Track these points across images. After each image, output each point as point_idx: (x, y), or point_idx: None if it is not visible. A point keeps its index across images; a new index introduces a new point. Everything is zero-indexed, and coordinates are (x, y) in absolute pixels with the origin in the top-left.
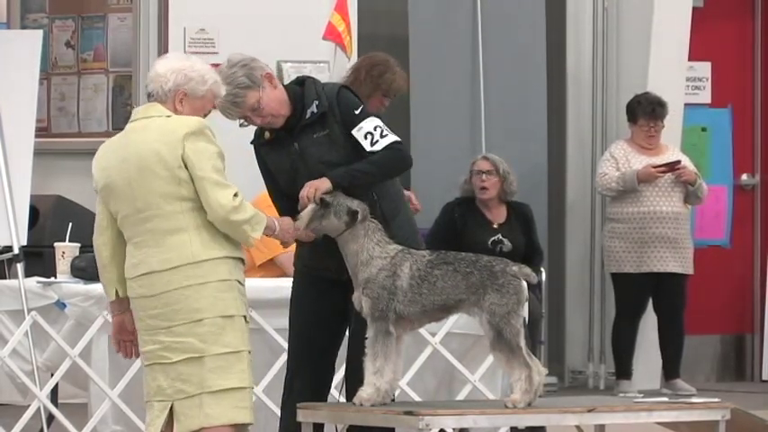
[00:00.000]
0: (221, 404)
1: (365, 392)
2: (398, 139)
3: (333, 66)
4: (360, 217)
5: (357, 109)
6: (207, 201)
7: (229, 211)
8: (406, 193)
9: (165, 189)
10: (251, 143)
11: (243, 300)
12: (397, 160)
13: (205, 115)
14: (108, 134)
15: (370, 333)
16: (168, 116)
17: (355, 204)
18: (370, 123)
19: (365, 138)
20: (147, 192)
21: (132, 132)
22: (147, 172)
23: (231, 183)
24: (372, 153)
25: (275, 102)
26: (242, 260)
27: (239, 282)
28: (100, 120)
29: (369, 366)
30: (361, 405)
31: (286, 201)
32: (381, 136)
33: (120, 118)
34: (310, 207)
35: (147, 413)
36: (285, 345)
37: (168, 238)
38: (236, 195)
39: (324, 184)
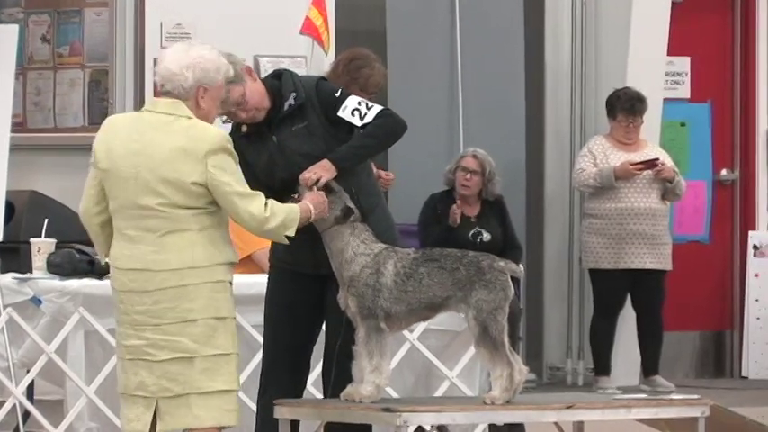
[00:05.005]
0: (209, 406)
1: (365, 390)
2: (385, 107)
3: (310, 61)
4: (352, 218)
5: (336, 92)
6: (237, 213)
7: (263, 222)
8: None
9: (173, 198)
10: (229, 135)
11: (233, 301)
12: (391, 125)
13: (221, 103)
14: (85, 129)
15: (360, 332)
16: (189, 117)
17: (352, 206)
18: (353, 101)
19: (353, 115)
20: (153, 194)
21: (150, 128)
22: (158, 177)
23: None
24: (364, 126)
25: (258, 95)
26: (234, 264)
27: (231, 283)
28: (76, 115)
29: (365, 365)
30: (362, 402)
31: (264, 192)
32: (368, 108)
33: (96, 113)
34: (321, 192)
35: (122, 406)
36: (261, 341)
37: (167, 238)
38: (266, 204)
39: (328, 172)
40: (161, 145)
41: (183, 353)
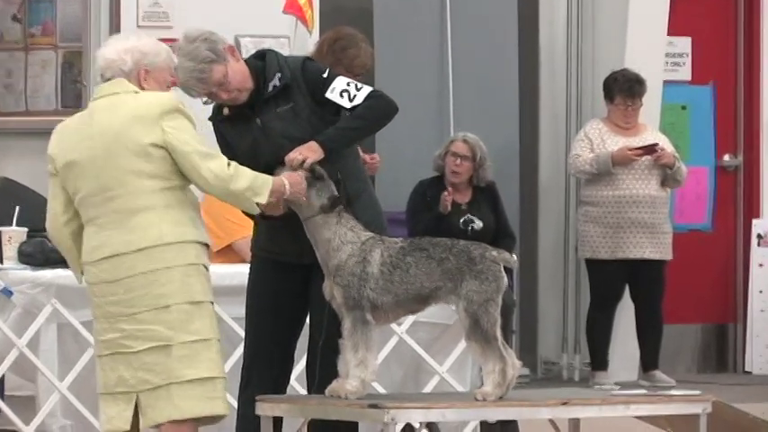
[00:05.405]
0: (191, 395)
1: (350, 385)
2: (375, 88)
3: (293, 41)
4: (339, 207)
5: (324, 73)
6: (200, 173)
7: (227, 181)
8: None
9: (134, 166)
10: (209, 119)
11: (209, 285)
12: (382, 107)
13: (168, 87)
14: (57, 112)
15: (346, 324)
16: (136, 92)
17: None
18: (341, 82)
19: (341, 96)
20: (115, 168)
21: (97, 110)
22: (115, 148)
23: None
24: (354, 108)
25: (240, 75)
26: (207, 245)
27: (205, 266)
28: (48, 97)
29: (350, 358)
30: (347, 398)
31: None
32: (357, 89)
33: (69, 96)
34: (302, 173)
35: (103, 406)
36: (243, 334)
37: (134, 217)
38: (228, 164)
39: (315, 153)
40: (112, 119)
41: (158, 341)
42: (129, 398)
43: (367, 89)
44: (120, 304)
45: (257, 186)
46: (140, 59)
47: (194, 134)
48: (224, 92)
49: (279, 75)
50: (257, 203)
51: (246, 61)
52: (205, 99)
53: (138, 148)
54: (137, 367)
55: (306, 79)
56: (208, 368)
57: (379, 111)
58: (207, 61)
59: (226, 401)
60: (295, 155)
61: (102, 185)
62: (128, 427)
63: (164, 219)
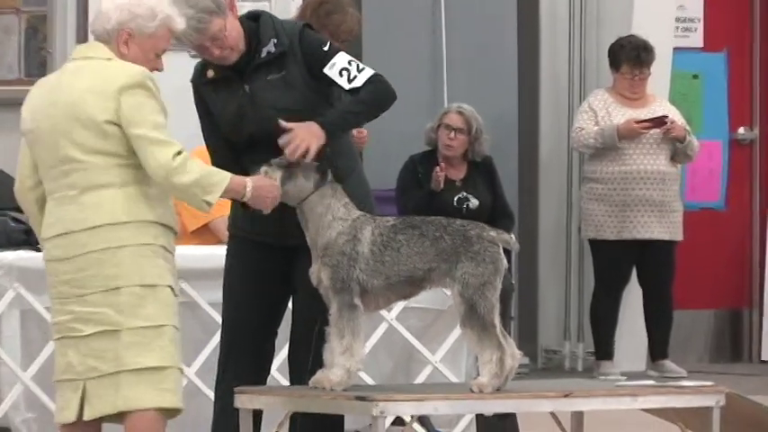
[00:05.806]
0: (141, 385)
1: (335, 375)
2: (375, 71)
3: (274, 3)
4: (330, 176)
5: (325, 45)
6: (146, 161)
7: (170, 173)
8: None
9: (90, 142)
10: (190, 81)
11: (169, 268)
12: (383, 94)
13: (158, 55)
14: (20, 82)
15: (333, 308)
16: (109, 59)
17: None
18: (343, 58)
19: (340, 75)
20: (71, 142)
21: (67, 73)
22: (73, 121)
23: (174, 140)
24: (353, 90)
25: (236, 33)
26: (173, 230)
27: (165, 248)
28: (11, 66)
29: (335, 346)
30: (332, 390)
31: (224, 148)
32: (358, 70)
33: (33, 64)
34: (278, 172)
35: (56, 395)
36: (220, 320)
37: (89, 194)
38: (179, 154)
39: (318, 139)
40: (74, 87)
41: (107, 326)
42: (76, 386)
43: (368, 72)
44: (71, 284)
45: (207, 184)
46: (126, 20)
47: (154, 115)
48: (217, 48)
49: (275, 40)
50: (207, 202)
51: (240, 20)
52: (193, 53)
53: (92, 124)
54: (85, 353)
55: (303, 50)
56: (159, 357)
57: (381, 97)
58: (207, 11)
59: (178, 395)
60: (297, 143)
61: (59, 158)
62: (74, 418)
63: (119, 197)
